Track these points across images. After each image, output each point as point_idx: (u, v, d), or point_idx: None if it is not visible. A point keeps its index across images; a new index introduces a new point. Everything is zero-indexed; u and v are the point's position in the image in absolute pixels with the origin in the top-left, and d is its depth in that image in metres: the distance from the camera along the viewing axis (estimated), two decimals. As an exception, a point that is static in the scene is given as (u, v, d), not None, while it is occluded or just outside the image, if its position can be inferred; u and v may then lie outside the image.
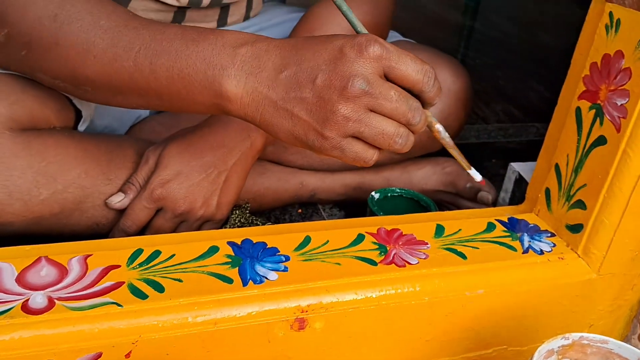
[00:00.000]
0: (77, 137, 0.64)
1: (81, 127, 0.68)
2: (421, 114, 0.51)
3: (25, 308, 0.46)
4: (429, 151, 0.88)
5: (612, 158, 0.57)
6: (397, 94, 0.49)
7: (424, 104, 0.52)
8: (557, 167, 0.64)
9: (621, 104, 0.56)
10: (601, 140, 0.58)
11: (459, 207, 0.90)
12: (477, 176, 0.57)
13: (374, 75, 0.48)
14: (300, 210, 0.90)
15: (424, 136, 0.83)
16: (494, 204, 0.87)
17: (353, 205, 0.91)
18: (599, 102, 0.59)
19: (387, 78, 0.50)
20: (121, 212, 0.65)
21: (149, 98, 0.55)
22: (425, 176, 0.89)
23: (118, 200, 0.64)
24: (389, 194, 0.83)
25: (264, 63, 0.50)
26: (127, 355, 0.48)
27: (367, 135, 0.49)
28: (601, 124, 0.58)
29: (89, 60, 0.54)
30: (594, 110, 0.59)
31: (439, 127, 0.55)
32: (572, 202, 0.62)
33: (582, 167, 0.61)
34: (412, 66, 0.49)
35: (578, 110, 0.61)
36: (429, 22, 1.70)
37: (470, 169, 0.57)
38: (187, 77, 0.52)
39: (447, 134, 0.56)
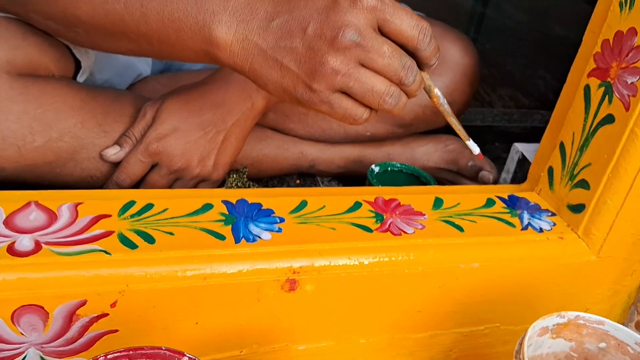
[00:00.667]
0: (75, 87, 0.63)
1: (80, 78, 0.67)
2: (415, 73, 0.48)
3: (11, 250, 0.46)
4: (434, 127, 0.87)
5: (619, 137, 0.56)
6: (390, 49, 0.47)
7: (421, 64, 0.50)
8: (562, 145, 0.63)
9: (631, 82, 0.55)
10: (609, 119, 0.57)
11: (459, 187, 0.89)
12: (475, 148, 0.56)
13: (367, 27, 0.46)
14: (298, 182, 0.89)
15: (428, 111, 0.82)
16: (495, 184, 0.86)
17: (352, 179, 0.90)
18: (609, 79, 0.57)
19: (381, 32, 0.47)
20: (116, 166, 0.64)
21: (140, 43, 0.53)
22: (427, 153, 0.88)
23: (113, 153, 0.63)
24: (389, 168, 0.82)
25: (256, 10, 0.49)
26: (113, 305, 0.47)
27: (356, 91, 0.47)
28: (610, 102, 0.57)
29: (80, 1, 0.52)
30: (603, 88, 0.58)
31: (437, 92, 0.53)
32: (575, 181, 0.61)
33: (587, 146, 0.59)
34: (407, 21, 0.47)
35: (587, 88, 0.60)
36: (441, 7, 1.68)
37: (468, 139, 0.56)
38: (177, 21, 0.50)
39: (445, 101, 0.54)
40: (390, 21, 0.47)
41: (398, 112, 0.50)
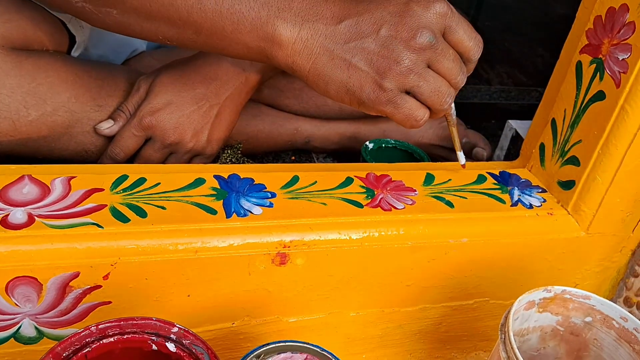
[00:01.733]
0: (69, 62, 0.63)
1: (74, 53, 0.67)
2: (465, 78, 0.52)
3: (5, 223, 0.46)
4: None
5: (610, 114, 0.56)
6: (454, 53, 0.50)
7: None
8: (553, 122, 0.63)
9: (622, 59, 0.55)
10: (600, 96, 0.57)
11: (453, 164, 0.89)
12: (462, 159, 0.61)
13: (439, 31, 0.49)
14: (293, 158, 0.89)
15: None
16: (489, 161, 0.86)
17: (347, 156, 0.90)
18: (600, 56, 0.57)
19: (444, 37, 0.50)
20: (110, 140, 0.65)
21: (184, 30, 0.51)
22: (421, 129, 0.88)
23: (107, 127, 0.64)
24: (383, 145, 0.82)
25: (322, 11, 0.49)
26: (105, 277, 0.48)
27: (424, 90, 0.49)
28: (601, 78, 0.57)
29: None
30: (594, 65, 0.58)
31: (452, 107, 0.56)
32: (565, 158, 0.61)
33: (578, 123, 0.60)
34: (468, 32, 0.50)
35: (579, 65, 0.60)
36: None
37: (460, 150, 0.61)
38: (237, 13, 0.49)
39: (454, 112, 0.57)
40: (455, 29, 0.49)
41: (443, 114, 0.53)
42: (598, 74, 0.57)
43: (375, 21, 0.48)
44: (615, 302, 0.71)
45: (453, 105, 0.55)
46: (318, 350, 0.47)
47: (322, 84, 0.50)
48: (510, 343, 0.46)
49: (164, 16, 0.50)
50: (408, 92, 0.50)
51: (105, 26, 0.54)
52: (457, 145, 0.60)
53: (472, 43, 0.51)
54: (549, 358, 0.57)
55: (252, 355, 0.45)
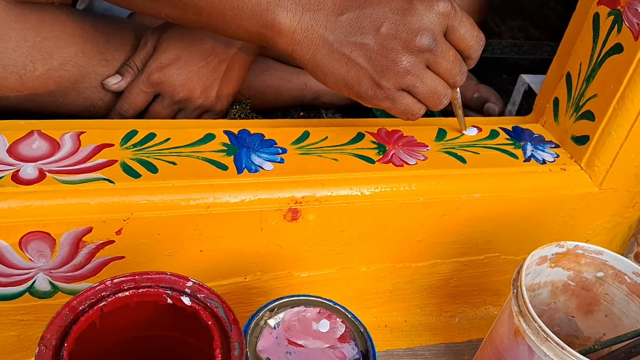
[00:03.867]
0: (74, 15, 0.62)
1: (79, 6, 0.66)
2: (465, 77, 0.52)
3: (16, 178, 0.46)
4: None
5: (627, 67, 0.55)
6: (454, 55, 0.50)
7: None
8: (568, 76, 0.62)
9: (643, 10, 0.53)
10: (617, 49, 0.56)
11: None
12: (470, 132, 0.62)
13: (440, 32, 0.48)
14: (302, 114, 0.89)
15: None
16: (501, 116, 0.85)
17: (357, 113, 0.89)
18: (618, 7, 0.56)
19: (445, 36, 0.49)
20: (118, 95, 0.64)
21: (186, 12, 0.51)
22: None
23: (115, 82, 0.63)
24: (394, 100, 0.81)
25: (324, 1, 0.48)
26: (118, 232, 0.48)
27: (420, 90, 0.50)
28: (619, 31, 0.56)
29: None
30: (612, 17, 0.56)
31: (457, 90, 0.57)
32: (580, 112, 0.60)
33: (594, 77, 0.59)
34: (470, 31, 0.50)
35: (596, 17, 0.58)
36: None
37: (465, 129, 0.61)
38: None
39: (460, 97, 0.58)
40: (457, 29, 0.49)
41: (441, 108, 0.53)
42: (616, 26, 0.56)
43: (377, 17, 0.48)
44: (626, 257, 0.71)
45: (458, 90, 0.56)
46: (331, 304, 0.47)
47: (321, 75, 0.50)
48: (523, 297, 0.46)
49: None
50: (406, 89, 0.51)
51: (110, 0, 0.54)
52: (461, 126, 0.61)
53: (473, 42, 0.50)
54: (559, 312, 0.57)
55: (266, 309, 0.46)
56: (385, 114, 0.78)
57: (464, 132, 0.62)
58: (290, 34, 0.49)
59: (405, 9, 0.47)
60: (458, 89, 0.56)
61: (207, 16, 0.50)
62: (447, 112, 0.89)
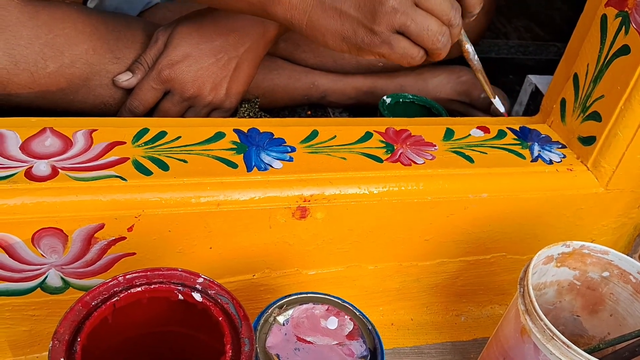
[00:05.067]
0: (85, 13, 0.62)
1: (90, 4, 0.67)
2: (460, 16, 0.51)
3: (29, 175, 0.47)
4: (447, 57, 0.85)
5: (634, 68, 0.55)
6: None
7: (463, 12, 0.53)
8: (575, 77, 0.62)
9: (651, 12, 0.54)
10: (624, 50, 0.56)
11: (470, 119, 0.88)
12: (501, 107, 0.59)
13: None
14: (309, 112, 0.89)
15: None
16: (508, 116, 0.85)
17: (363, 111, 0.90)
18: (626, 9, 0.56)
19: None
20: (129, 92, 0.65)
21: None
22: (439, 84, 0.87)
23: (125, 79, 0.64)
24: (401, 100, 0.81)
25: None
26: (130, 229, 0.48)
27: (413, 30, 0.50)
28: (626, 32, 0.56)
29: None
30: (620, 18, 0.57)
31: (469, 47, 0.56)
32: (587, 113, 0.61)
33: (601, 78, 0.59)
34: None
35: (604, 18, 0.59)
36: None
37: (494, 97, 0.59)
38: None
39: (477, 57, 0.57)
40: None
41: (445, 53, 0.52)
42: (623, 27, 0.56)
43: None
44: (631, 258, 0.72)
45: (471, 48, 0.55)
46: (339, 301, 0.48)
47: (320, 36, 0.52)
48: (530, 296, 0.46)
49: None
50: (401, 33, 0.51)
51: None
52: (490, 92, 0.59)
53: None
54: (565, 312, 0.57)
55: (275, 306, 0.46)
56: (393, 114, 0.79)
57: (493, 100, 0.60)
58: (287, 1, 0.51)
59: None
60: (471, 50, 0.56)
61: None
62: (454, 112, 0.89)
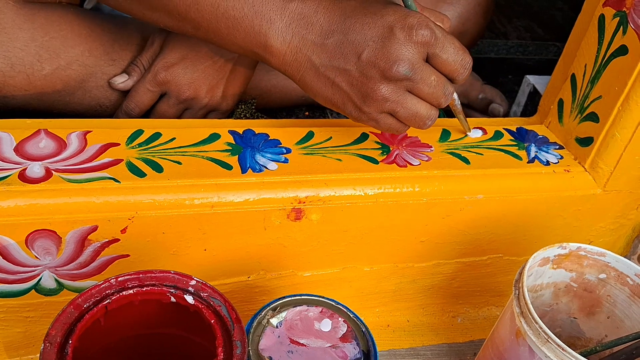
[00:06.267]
0: (81, 15, 0.62)
1: (87, 6, 0.66)
2: (450, 97, 0.52)
3: (23, 177, 0.47)
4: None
5: (632, 69, 0.55)
6: (436, 79, 0.50)
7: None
8: (573, 77, 0.62)
9: (648, 12, 0.53)
10: (622, 50, 0.56)
11: (469, 119, 0.88)
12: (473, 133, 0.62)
13: (419, 60, 0.49)
14: (307, 113, 0.89)
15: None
16: (506, 117, 0.85)
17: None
18: (624, 9, 0.56)
19: (428, 60, 0.50)
20: (125, 94, 0.65)
21: (184, 24, 0.53)
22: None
23: (121, 81, 0.64)
24: (399, 100, 0.81)
25: (312, 25, 0.50)
26: (123, 231, 0.48)
27: (401, 115, 0.50)
28: (624, 33, 0.56)
29: None
30: (617, 18, 0.56)
31: (455, 96, 0.57)
32: (584, 114, 0.60)
33: (599, 78, 0.59)
34: (453, 56, 0.50)
35: (601, 18, 0.58)
36: None
37: (470, 131, 0.61)
38: (232, 19, 0.50)
39: (459, 102, 0.58)
40: (439, 55, 0.49)
41: (427, 127, 0.53)
42: (621, 27, 0.56)
43: (359, 44, 0.49)
44: (629, 260, 0.71)
45: (455, 95, 0.56)
46: (333, 303, 0.47)
47: (311, 94, 0.52)
48: (524, 298, 0.46)
49: (164, 9, 0.52)
50: None
51: (110, 6, 0.56)
52: (467, 127, 0.62)
53: (457, 65, 0.50)
54: (561, 314, 0.57)
55: (268, 308, 0.46)
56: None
57: (468, 133, 0.62)
58: (281, 56, 0.51)
59: (385, 37, 0.48)
60: (456, 97, 0.57)
61: (204, 31, 0.52)
62: (451, 113, 0.89)
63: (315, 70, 0.50)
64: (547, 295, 0.56)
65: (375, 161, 0.56)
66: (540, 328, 0.45)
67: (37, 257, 0.47)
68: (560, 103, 0.64)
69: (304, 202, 0.52)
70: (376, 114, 0.50)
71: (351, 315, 0.47)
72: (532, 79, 0.81)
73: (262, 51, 0.51)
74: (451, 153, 0.59)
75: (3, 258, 0.46)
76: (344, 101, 0.51)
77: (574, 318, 0.57)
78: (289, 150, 0.55)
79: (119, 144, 0.52)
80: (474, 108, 0.87)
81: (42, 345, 0.37)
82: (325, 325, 0.46)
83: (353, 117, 0.52)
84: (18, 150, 0.49)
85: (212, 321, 0.40)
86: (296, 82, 0.52)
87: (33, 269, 0.48)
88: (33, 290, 0.49)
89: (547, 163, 0.60)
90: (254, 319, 0.45)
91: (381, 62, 0.48)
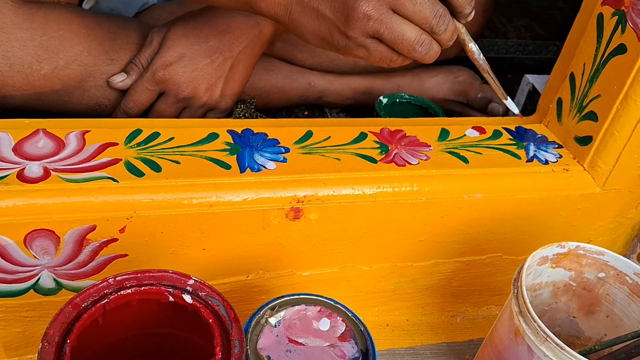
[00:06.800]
0: (80, 14, 0.62)
1: (85, 5, 0.66)
2: (447, 22, 0.48)
3: (21, 176, 0.47)
4: (444, 57, 0.85)
5: (630, 68, 0.55)
6: None
7: (456, 14, 0.49)
8: (572, 76, 0.62)
9: (646, 11, 0.53)
10: (621, 49, 0.56)
11: (468, 119, 0.88)
12: (514, 108, 0.56)
13: None
14: (306, 113, 0.89)
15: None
16: (505, 116, 0.85)
17: (360, 111, 0.89)
18: (622, 8, 0.56)
19: None
20: (123, 94, 0.65)
21: None
22: (436, 84, 0.87)
23: (120, 80, 0.64)
24: (397, 100, 0.81)
25: None
26: (122, 231, 0.48)
27: (387, 38, 0.47)
28: (623, 31, 0.56)
29: None
30: (616, 17, 0.56)
31: (472, 47, 0.52)
32: (583, 113, 0.60)
33: (597, 77, 0.58)
34: None
35: (600, 17, 0.58)
36: None
37: (506, 98, 0.55)
38: None
39: (482, 56, 0.53)
40: None
41: (429, 60, 0.49)
42: (620, 26, 0.56)
43: None
44: (629, 259, 0.71)
45: (475, 47, 0.52)
46: (331, 302, 0.47)
47: (299, 33, 0.50)
48: (523, 297, 0.46)
49: None
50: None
51: None
52: (501, 93, 0.55)
53: None
54: (561, 313, 0.57)
55: (267, 307, 0.46)
56: (389, 114, 0.79)
57: (505, 101, 0.56)
58: None
59: None
60: (475, 50, 0.52)
61: None
62: (450, 112, 0.89)
63: (300, 4, 0.49)
64: (546, 294, 0.56)
65: (374, 160, 0.56)
66: (539, 327, 0.44)
67: (36, 257, 0.47)
68: (559, 102, 0.64)
69: (303, 202, 0.52)
70: (362, 38, 0.47)
71: (350, 315, 0.47)
72: (531, 78, 0.81)
73: None
74: (450, 152, 0.59)
75: (2, 258, 0.46)
76: (330, 31, 0.48)
77: (573, 317, 0.57)
78: (287, 150, 0.55)
79: (117, 144, 0.52)
80: (474, 107, 0.87)
81: (40, 344, 0.37)
82: (324, 324, 0.46)
83: (342, 48, 0.49)
84: (16, 150, 0.49)
85: (210, 320, 0.40)
86: (286, 25, 0.51)
87: (31, 268, 0.48)
88: (32, 290, 0.49)
89: (546, 162, 0.60)
90: (253, 319, 0.45)
91: None
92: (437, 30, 0.48)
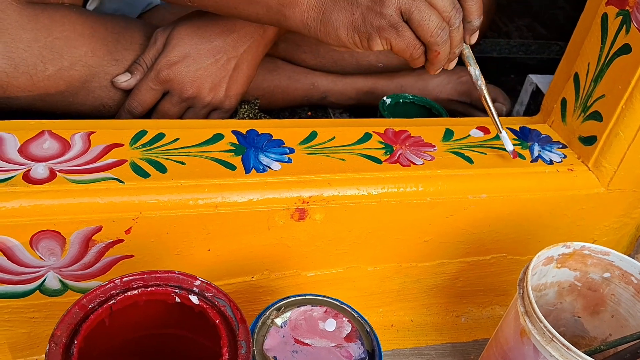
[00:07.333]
0: (84, 15, 0.62)
1: (90, 6, 0.67)
2: (460, 19, 0.53)
3: (27, 177, 0.47)
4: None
5: (635, 68, 0.55)
6: None
7: (463, 21, 0.54)
8: (576, 76, 0.62)
9: (651, 11, 0.53)
10: (625, 49, 0.56)
11: (471, 119, 0.88)
12: (509, 145, 0.58)
13: None
14: (310, 113, 0.89)
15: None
16: (508, 116, 0.85)
17: (364, 111, 0.89)
18: (627, 8, 0.56)
19: None
20: (128, 94, 0.65)
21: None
22: (440, 84, 0.87)
23: (124, 80, 0.64)
24: (401, 100, 0.81)
25: None
26: (127, 231, 0.48)
27: (415, 16, 0.51)
28: (627, 31, 0.56)
29: None
30: (621, 17, 0.56)
31: (472, 70, 0.57)
32: (588, 113, 0.60)
33: (602, 77, 0.58)
34: None
35: (604, 17, 0.58)
36: None
37: (501, 132, 0.58)
38: None
39: (480, 82, 0.57)
40: None
41: (442, 56, 0.54)
42: (624, 26, 0.56)
43: None
44: (633, 258, 0.71)
45: (475, 72, 0.57)
46: (337, 303, 0.47)
47: (333, 30, 0.53)
48: (529, 297, 0.46)
49: None
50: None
51: None
52: (494, 122, 0.58)
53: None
54: (566, 313, 0.57)
55: (273, 308, 0.46)
56: (393, 114, 0.79)
57: (500, 135, 0.58)
58: (305, 2, 0.53)
59: None
60: (475, 74, 0.57)
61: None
62: (454, 112, 0.89)
63: (333, 1, 0.52)
64: (551, 294, 0.56)
65: (378, 161, 0.56)
66: (545, 327, 0.44)
67: (42, 258, 0.47)
68: (564, 102, 0.64)
69: (308, 202, 0.52)
70: (396, 18, 0.51)
71: (355, 315, 0.47)
72: (534, 78, 0.81)
73: (285, 4, 0.53)
74: (454, 152, 0.59)
75: (8, 259, 0.47)
76: (363, 15, 0.52)
77: (578, 317, 0.57)
78: (292, 150, 0.55)
79: (122, 145, 0.52)
80: (477, 107, 0.87)
81: (48, 345, 0.37)
82: (330, 325, 0.46)
83: (375, 28, 0.52)
84: (22, 151, 0.49)
85: (217, 321, 0.40)
86: (317, 28, 0.54)
87: (37, 269, 0.48)
88: (37, 291, 0.49)
89: (551, 162, 0.60)
90: (259, 319, 0.45)
91: None
92: (453, 22, 0.53)
